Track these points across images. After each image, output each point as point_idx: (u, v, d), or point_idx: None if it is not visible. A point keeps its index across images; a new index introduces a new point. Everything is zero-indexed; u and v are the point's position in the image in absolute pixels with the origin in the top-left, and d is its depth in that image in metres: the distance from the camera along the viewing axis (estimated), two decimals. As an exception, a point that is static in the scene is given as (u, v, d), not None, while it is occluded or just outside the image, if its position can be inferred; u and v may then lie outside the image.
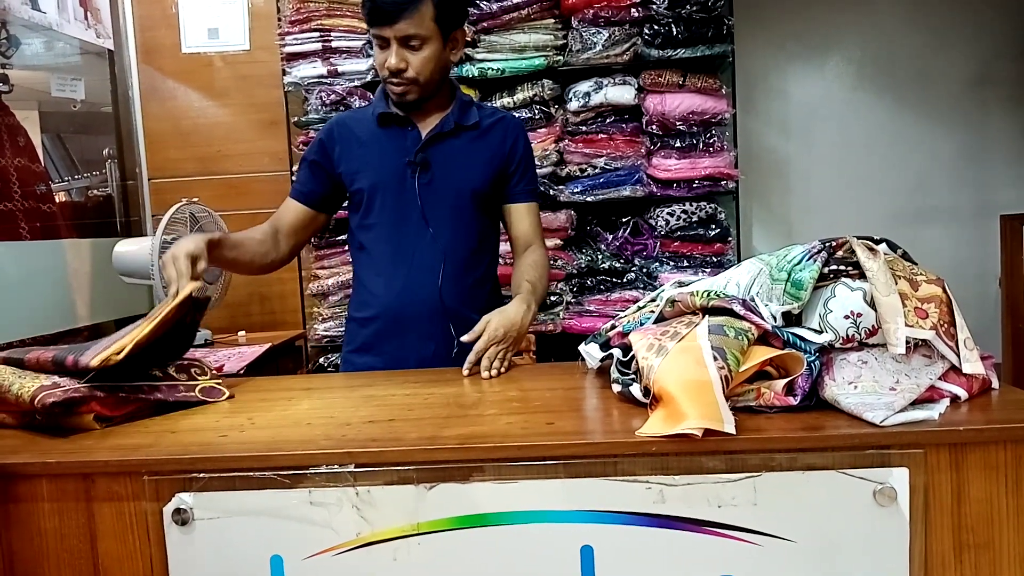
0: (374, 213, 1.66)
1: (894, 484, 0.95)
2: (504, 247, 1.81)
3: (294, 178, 1.80)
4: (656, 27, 2.62)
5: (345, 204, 1.75)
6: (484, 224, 1.70)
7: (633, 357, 1.14)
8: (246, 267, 1.63)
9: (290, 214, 1.71)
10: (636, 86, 2.67)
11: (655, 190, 2.69)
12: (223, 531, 1.00)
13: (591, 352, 1.31)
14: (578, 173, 2.70)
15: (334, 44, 2.68)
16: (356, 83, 2.70)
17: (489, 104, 2.55)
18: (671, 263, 2.71)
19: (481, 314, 1.64)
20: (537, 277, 1.63)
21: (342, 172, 1.69)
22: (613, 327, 1.33)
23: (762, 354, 1.05)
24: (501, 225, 1.77)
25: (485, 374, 1.42)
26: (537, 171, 2.59)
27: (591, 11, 2.60)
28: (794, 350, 1.05)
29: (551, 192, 2.68)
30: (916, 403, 1.01)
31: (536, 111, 2.66)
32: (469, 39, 2.65)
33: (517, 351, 1.56)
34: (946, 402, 1.03)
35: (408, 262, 1.64)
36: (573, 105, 2.67)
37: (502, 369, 1.44)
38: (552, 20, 2.68)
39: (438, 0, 1.53)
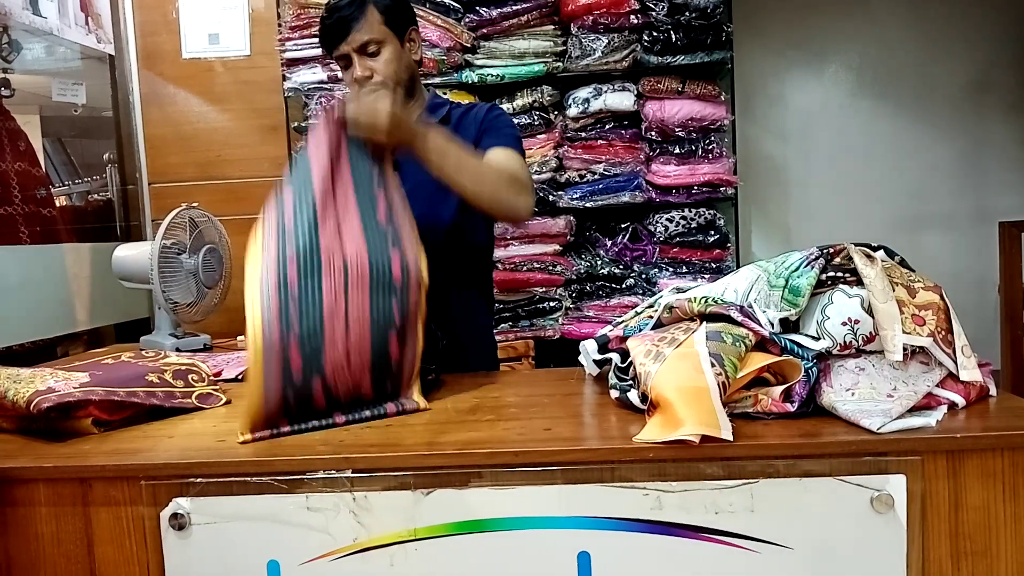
0: None
1: (891, 491, 0.95)
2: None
3: None
4: (655, 34, 2.63)
5: None
6: (465, 216, 1.69)
7: (631, 363, 1.14)
8: None
9: None
10: (635, 92, 2.67)
11: (654, 196, 2.69)
12: (220, 536, 1.00)
13: (588, 348, 1.31)
14: (577, 179, 2.70)
15: (334, 50, 2.69)
16: (356, 89, 2.70)
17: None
18: (670, 269, 2.71)
19: (464, 311, 1.67)
20: (486, 162, 1.49)
21: None
22: (613, 328, 1.33)
23: (760, 360, 1.05)
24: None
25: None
26: (531, 173, 2.63)
27: (590, 18, 2.61)
28: (792, 357, 1.05)
29: (550, 198, 2.69)
30: (913, 410, 1.01)
31: (535, 117, 2.66)
32: (469, 45, 2.66)
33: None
34: (944, 409, 1.03)
35: None
36: (572, 111, 2.68)
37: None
38: (552, 26, 2.69)
39: (386, 7, 1.59)
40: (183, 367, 1.36)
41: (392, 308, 1.18)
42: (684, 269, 2.71)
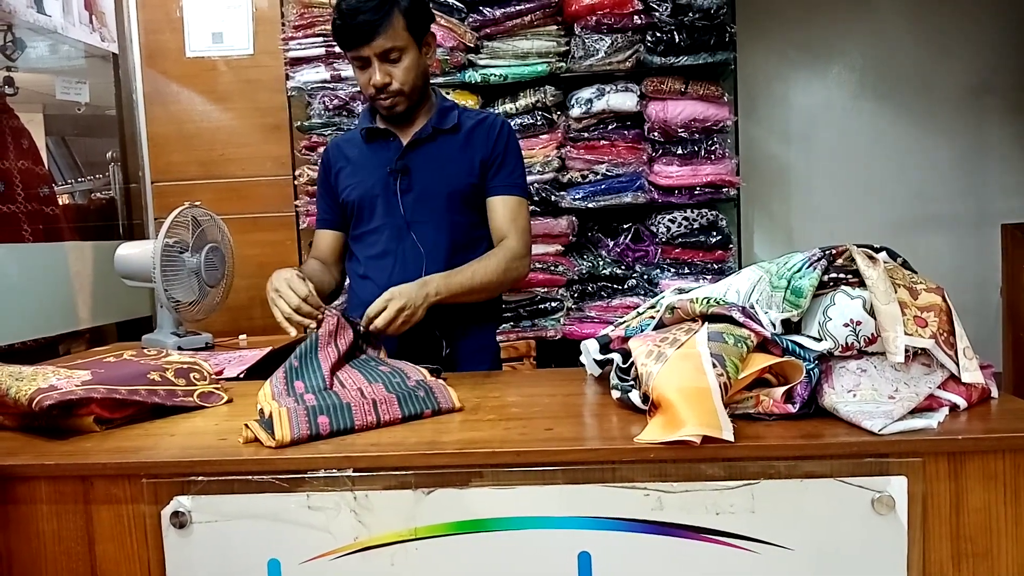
0: (363, 223, 1.74)
1: (892, 493, 0.95)
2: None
3: (315, 210, 1.92)
4: (658, 34, 2.62)
5: None
6: (471, 223, 1.72)
7: (632, 363, 1.14)
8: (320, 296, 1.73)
9: (324, 243, 1.82)
10: (638, 93, 2.67)
11: (656, 197, 2.69)
12: (221, 535, 1.00)
13: (589, 348, 1.32)
14: (580, 179, 2.70)
15: (337, 49, 2.68)
16: (359, 88, 2.70)
17: (478, 108, 2.58)
18: (672, 270, 2.71)
19: (467, 313, 1.68)
20: (476, 266, 1.61)
21: (338, 191, 1.77)
22: (615, 328, 1.33)
23: (761, 361, 1.05)
24: None
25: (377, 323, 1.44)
26: (534, 173, 2.64)
27: (594, 18, 2.61)
28: (793, 358, 1.05)
29: (552, 198, 2.69)
30: (915, 412, 1.01)
31: (538, 117, 2.66)
32: (472, 45, 2.66)
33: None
34: (945, 411, 1.03)
35: (391, 266, 1.68)
36: (575, 111, 2.68)
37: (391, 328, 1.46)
38: (555, 27, 2.68)
39: (407, 10, 1.59)
40: (185, 365, 1.36)
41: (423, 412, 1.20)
42: (686, 270, 2.70)
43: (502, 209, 1.70)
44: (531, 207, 2.64)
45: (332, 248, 1.82)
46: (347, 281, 1.87)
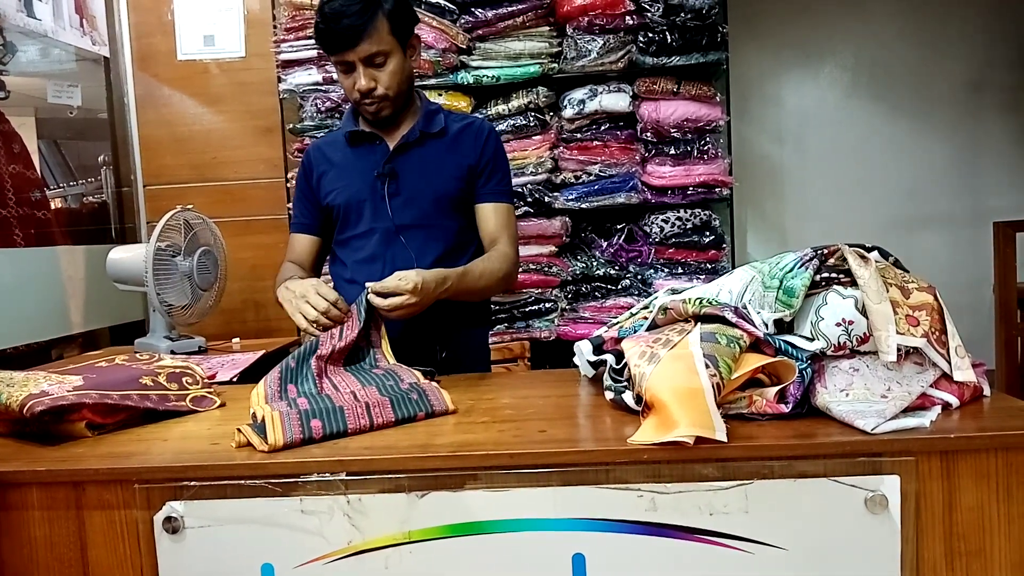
0: (349, 227, 1.72)
1: (885, 492, 0.95)
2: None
3: (292, 214, 1.88)
4: (651, 35, 2.63)
5: None
6: (459, 227, 1.71)
7: (626, 364, 1.14)
8: None
9: (301, 247, 1.79)
10: (631, 93, 2.67)
11: (650, 197, 2.69)
12: (214, 539, 1.00)
13: (583, 349, 1.32)
14: (573, 180, 2.70)
15: (329, 51, 2.68)
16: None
17: (469, 110, 2.58)
18: (666, 270, 2.71)
19: (462, 317, 1.67)
20: (483, 267, 1.62)
21: (321, 195, 1.75)
22: (608, 329, 1.33)
23: (754, 361, 1.05)
24: None
25: (378, 301, 1.42)
26: (527, 175, 2.64)
27: (586, 19, 2.61)
28: (786, 357, 1.05)
29: (546, 199, 2.69)
30: (907, 411, 1.01)
31: (531, 118, 2.66)
32: (464, 46, 2.66)
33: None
34: (937, 409, 1.03)
35: (381, 271, 1.66)
36: (568, 112, 2.68)
37: (392, 314, 1.44)
38: (547, 28, 2.69)
39: (392, 14, 1.58)
40: (177, 370, 1.36)
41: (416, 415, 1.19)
42: (680, 270, 2.71)
43: (493, 216, 1.71)
44: (524, 208, 2.65)
45: (309, 253, 1.79)
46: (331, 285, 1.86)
